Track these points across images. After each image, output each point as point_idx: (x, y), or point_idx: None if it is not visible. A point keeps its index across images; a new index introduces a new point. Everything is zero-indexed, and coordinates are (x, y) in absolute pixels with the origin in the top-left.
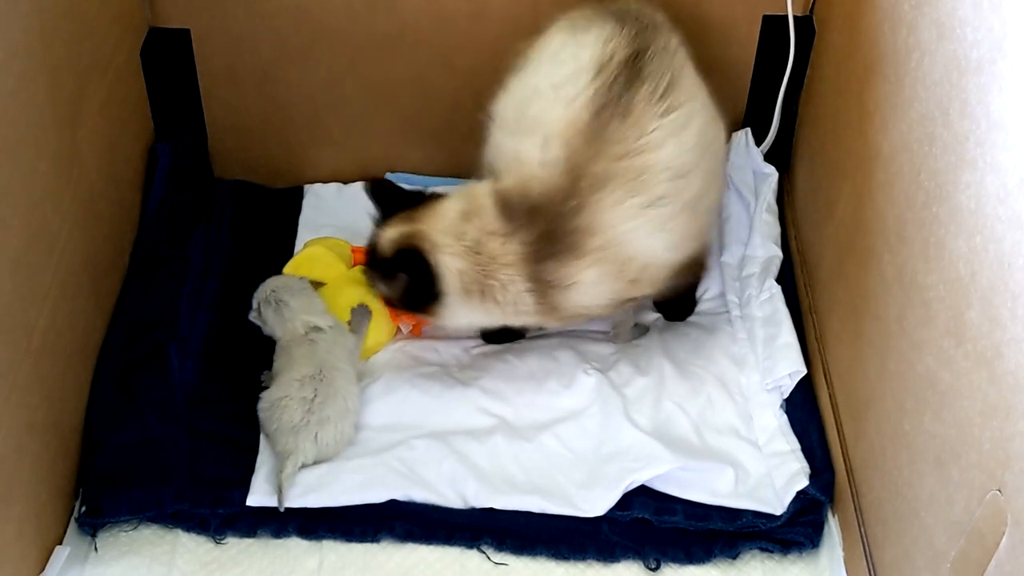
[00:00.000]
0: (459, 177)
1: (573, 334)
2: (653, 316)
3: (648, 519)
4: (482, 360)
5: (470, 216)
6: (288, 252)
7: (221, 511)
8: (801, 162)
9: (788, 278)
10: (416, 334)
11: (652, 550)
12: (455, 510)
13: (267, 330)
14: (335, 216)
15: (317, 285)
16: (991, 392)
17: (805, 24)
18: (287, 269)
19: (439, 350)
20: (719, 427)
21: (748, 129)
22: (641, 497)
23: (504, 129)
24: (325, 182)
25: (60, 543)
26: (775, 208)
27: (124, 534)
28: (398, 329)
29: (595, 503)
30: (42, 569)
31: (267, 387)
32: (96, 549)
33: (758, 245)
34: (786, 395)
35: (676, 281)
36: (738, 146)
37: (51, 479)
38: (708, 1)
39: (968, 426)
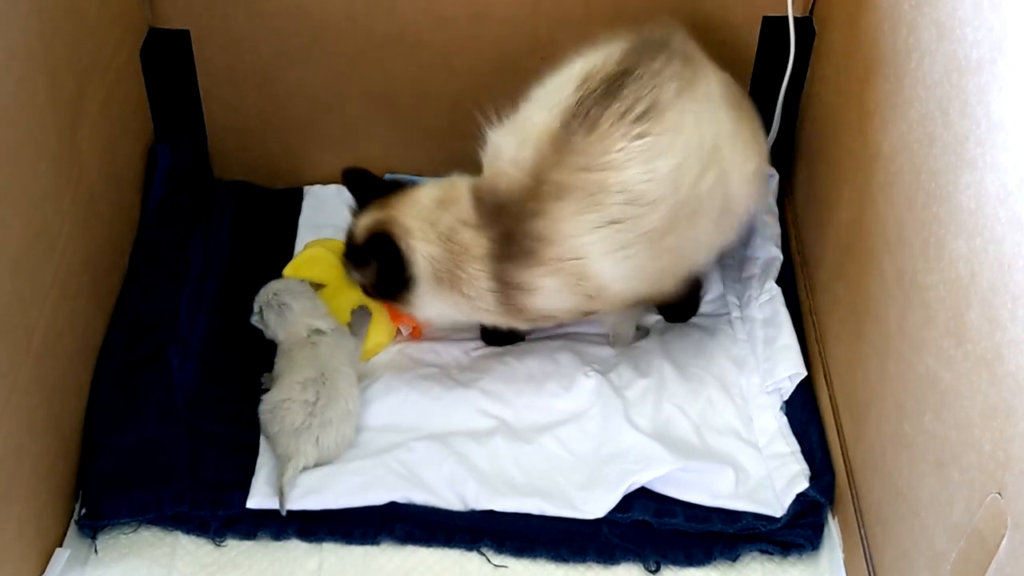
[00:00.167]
0: None
1: (573, 336)
2: (654, 318)
3: (648, 521)
4: (482, 362)
5: (446, 204)
6: (288, 253)
7: (221, 513)
8: (801, 163)
9: (788, 279)
10: (416, 336)
11: (652, 552)
12: (455, 512)
13: (269, 333)
14: (335, 217)
15: (317, 286)
16: (991, 393)
17: (805, 25)
18: (287, 270)
19: (439, 352)
20: (719, 428)
21: None
22: (641, 499)
23: (496, 126)
24: (325, 183)
25: (60, 545)
26: (775, 209)
27: (124, 536)
28: (398, 331)
29: (595, 505)
30: (42, 571)
31: (267, 389)
32: (96, 551)
33: (758, 246)
34: (786, 397)
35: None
36: None
37: (51, 480)
38: (708, 2)
39: (968, 427)
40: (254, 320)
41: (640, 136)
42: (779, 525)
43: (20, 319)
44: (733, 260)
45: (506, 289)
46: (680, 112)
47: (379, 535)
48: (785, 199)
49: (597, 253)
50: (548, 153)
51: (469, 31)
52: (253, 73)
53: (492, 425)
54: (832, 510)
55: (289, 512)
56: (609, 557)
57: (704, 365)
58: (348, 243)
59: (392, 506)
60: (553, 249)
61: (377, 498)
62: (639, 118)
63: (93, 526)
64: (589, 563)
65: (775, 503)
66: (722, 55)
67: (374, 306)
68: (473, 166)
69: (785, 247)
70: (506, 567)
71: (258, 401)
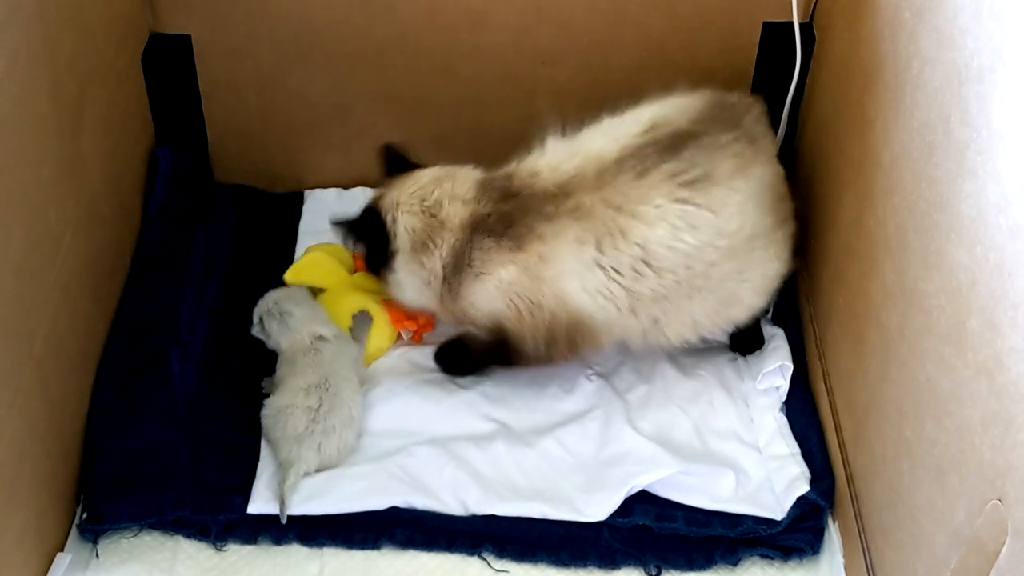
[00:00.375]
0: None
1: None
2: None
3: (649, 526)
4: None
5: (441, 181)
6: (289, 257)
7: (222, 517)
8: (802, 169)
9: (789, 284)
10: (417, 340)
11: (653, 557)
12: (456, 517)
13: (271, 343)
14: None
15: (318, 291)
16: (992, 401)
17: (806, 31)
18: (288, 275)
19: None
20: (720, 431)
21: None
22: (642, 504)
23: (558, 135)
24: (325, 187)
25: (61, 550)
26: None
27: (125, 540)
28: (399, 335)
29: (597, 507)
30: None
31: (268, 393)
32: (97, 556)
33: None
34: (784, 397)
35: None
36: None
37: (52, 485)
38: (709, 8)
39: (969, 434)
40: (255, 331)
41: (682, 201)
42: (780, 529)
43: (22, 323)
44: None
45: (461, 265)
46: (728, 191)
47: (380, 540)
48: None
49: (575, 285)
50: (590, 177)
51: (470, 38)
52: (254, 77)
53: (493, 429)
54: (832, 515)
55: (290, 517)
56: (610, 561)
57: (705, 368)
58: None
59: (393, 511)
60: (539, 248)
61: (378, 503)
62: (688, 184)
63: (94, 530)
64: (590, 567)
65: (775, 506)
66: (722, 60)
67: (375, 310)
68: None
69: None
70: (507, 572)
71: (259, 405)
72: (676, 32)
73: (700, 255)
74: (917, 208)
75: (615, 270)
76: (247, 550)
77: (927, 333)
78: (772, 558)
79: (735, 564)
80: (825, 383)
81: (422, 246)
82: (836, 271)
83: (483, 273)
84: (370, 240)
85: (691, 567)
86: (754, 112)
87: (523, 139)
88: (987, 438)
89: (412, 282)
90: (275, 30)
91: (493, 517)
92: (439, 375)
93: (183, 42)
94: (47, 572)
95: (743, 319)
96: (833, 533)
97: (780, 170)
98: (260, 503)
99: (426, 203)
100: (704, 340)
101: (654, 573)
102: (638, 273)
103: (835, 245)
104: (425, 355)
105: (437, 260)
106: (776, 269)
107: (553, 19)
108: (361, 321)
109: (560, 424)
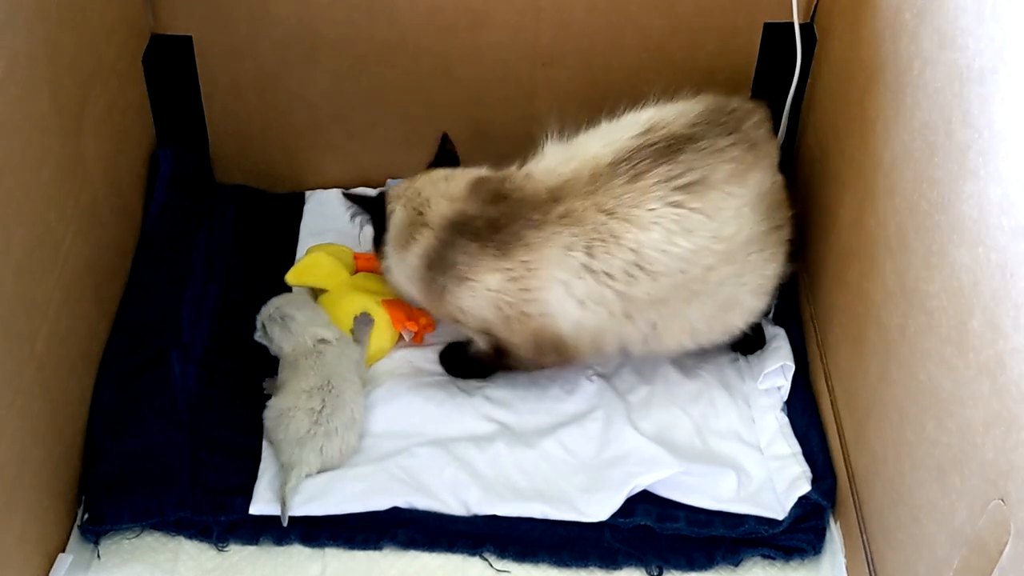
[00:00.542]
0: None
1: None
2: None
3: (650, 526)
4: None
5: (439, 180)
6: (290, 258)
7: (223, 518)
8: (802, 170)
9: (790, 285)
10: (418, 341)
11: (654, 557)
12: (457, 517)
13: (274, 348)
14: (336, 222)
15: (319, 292)
16: (994, 401)
17: (806, 32)
18: (289, 275)
19: None
20: (721, 431)
21: None
22: (643, 504)
23: (556, 140)
24: (326, 188)
25: (63, 550)
26: None
27: (127, 541)
28: (400, 336)
29: (598, 508)
30: None
31: (269, 394)
32: (99, 556)
33: None
34: (786, 397)
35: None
36: None
37: (54, 486)
38: (709, 9)
39: (971, 435)
40: (258, 336)
41: (676, 205)
42: (781, 529)
43: (23, 324)
44: None
45: (446, 266)
46: (724, 195)
47: (382, 540)
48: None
49: (560, 294)
50: (583, 181)
51: (470, 38)
52: (255, 79)
53: (494, 430)
54: (834, 515)
55: (292, 517)
56: (611, 562)
57: (706, 368)
58: None
59: (395, 511)
60: (525, 256)
61: (380, 503)
62: (683, 188)
63: (96, 531)
64: (591, 568)
65: (777, 506)
66: (723, 61)
67: (377, 311)
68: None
69: None
70: (508, 572)
71: (261, 406)
72: (676, 33)
73: (696, 259)
74: (918, 209)
75: (607, 274)
76: (249, 551)
77: (929, 333)
78: (774, 558)
79: (736, 564)
80: (826, 383)
81: (405, 240)
82: (837, 271)
83: (469, 278)
84: (374, 224)
85: (692, 567)
86: (755, 117)
87: (523, 140)
88: (989, 438)
89: (398, 273)
90: (276, 31)
91: (494, 517)
92: (440, 376)
93: (184, 43)
94: (48, 573)
95: (741, 325)
96: (835, 533)
97: (779, 178)
98: (262, 504)
99: (419, 199)
100: (703, 348)
101: (655, 573)
102: (631, 277)
103: (836, 245)
104: (426, 356)
105: (416, 257)
106: (773, 271)
107: (553, 20)
108: (362, 324)
109: (561, 425)
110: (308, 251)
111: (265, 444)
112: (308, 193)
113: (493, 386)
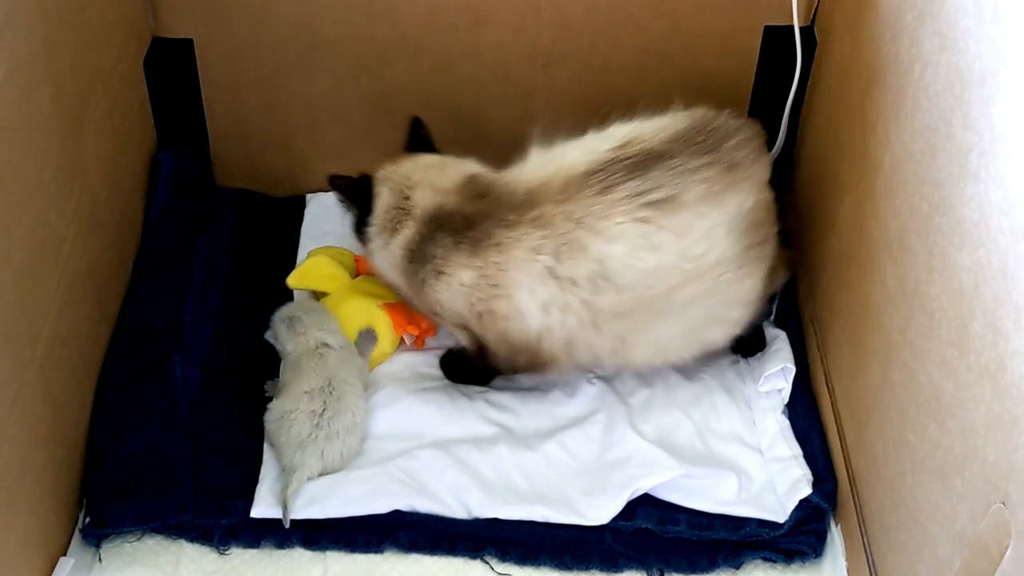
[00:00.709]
0: None
1: None
2: None
3: (651, 529)
4: None
5: (430, 168)
6: (291, 261)
7: (225, 521)
8: (802, 172)
9: (790, 286)
10: (419, 345)
11: (655, 560)
12: (459, 520)
13: (279, 346)
14: (337, 224)
15: (320, 295)
16: (995, 404)
17: (807, 34)
18: (291, 279)
19: None
20: (723, 434)
21: None
22: (644, 507)
23: (543, 144)
24: (327, 191)
25: (64, 554)
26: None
27: (128, 544)
28: (401, 340)
29: (599, 511)
30: None
31: (271, 397)
32: (100, 560)
33: None
34: (787, 400)
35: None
36: None
37: (55, 489)
38: (709, 11)
39: (972, 437)
40: (268, 336)
41: (643, 221)
42: (782, 532)
43: (24, 327)
44: None
45: (425, 259)
46: (695, 216)
47: (383, 543)
48: (786, 207)
49: (525, 292)
50: (556, 188)
51: (470, 39)
52: (255, 81)
53: (495, 432)
54: (835, 517)
55: (293, 520)
56: (613, 565)
57: (707, 371)
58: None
59: (396, 514)
60: (497, 258)
61: (381, 506)
62: (651, 204)
63: (97, 534)
64: (593, 571)
65: (778, 508)
66: (723, 64)
67: (378, 315)
68: None
69: None
70: (509, 575)
71: (262, 409)
72: (676, 35)
73: (662, 276)
74: (919, 211)
75: (572, 281)
76: (250, 554)
77: (929, 336)
78: (775, 561)
79: (738, 567)
80: (827, 385)
81: (389, 226)
82: (837, 273)
83: (444, 272)
84: (355, 204)
85: (694, 570)
86: (739, 136)
87: (522, 140)
88: (990, 441)
89: (381, 258)
90: (276, 33)
91: (496, 520)
92: (442, 380)
93: (185, 46)
94: None
95: (723, 339)
96: (835, 536)
97: (765, 196)
98: (263, 507)
99: (407, 186)
100: (673, 365)
101: None
102: (596, 287)
103: (837, 247)
104: (427, 360)
105: (397, 245)
106: (751, 286)
107: (553, 20)
108: (366, 338)
109: (562, 427)
110: (309, 254)
111: (266, 447)
112: (309, 196)
113: (494, 389)
